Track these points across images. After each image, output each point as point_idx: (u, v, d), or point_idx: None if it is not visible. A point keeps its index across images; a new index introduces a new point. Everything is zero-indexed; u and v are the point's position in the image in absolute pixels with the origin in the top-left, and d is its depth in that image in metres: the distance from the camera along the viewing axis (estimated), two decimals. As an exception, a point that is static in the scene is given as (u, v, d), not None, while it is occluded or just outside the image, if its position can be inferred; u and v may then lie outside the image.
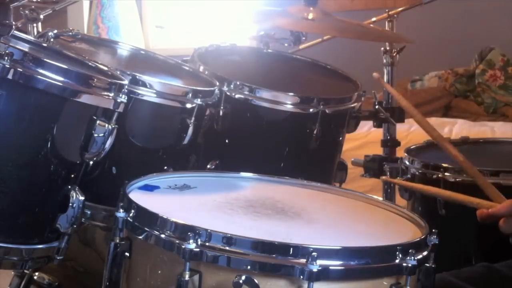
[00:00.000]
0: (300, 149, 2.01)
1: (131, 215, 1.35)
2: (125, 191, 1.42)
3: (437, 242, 1.36)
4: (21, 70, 1.42)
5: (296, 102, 1.96)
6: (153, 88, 1.70)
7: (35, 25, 2.26)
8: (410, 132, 3.97)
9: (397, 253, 1.28)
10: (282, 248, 1.23)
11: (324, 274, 1.22)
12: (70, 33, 1.93)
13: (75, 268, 2.11)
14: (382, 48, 2.60)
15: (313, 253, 1.20)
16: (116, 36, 4.92)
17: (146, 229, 1.31)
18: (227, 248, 1.23)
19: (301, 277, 1.21)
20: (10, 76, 1.41)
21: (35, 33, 2.23)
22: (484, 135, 3.81)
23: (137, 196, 1.43)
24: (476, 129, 4.09)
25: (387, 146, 2.62)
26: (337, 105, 2.05)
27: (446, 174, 2.00)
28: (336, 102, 2.05)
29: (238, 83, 1.94)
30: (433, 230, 1.38)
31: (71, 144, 1.55)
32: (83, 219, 1.64)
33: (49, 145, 1.50)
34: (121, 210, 1.36)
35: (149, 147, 1.77)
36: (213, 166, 1.92)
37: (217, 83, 1.89)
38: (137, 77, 1.69)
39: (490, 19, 4.82)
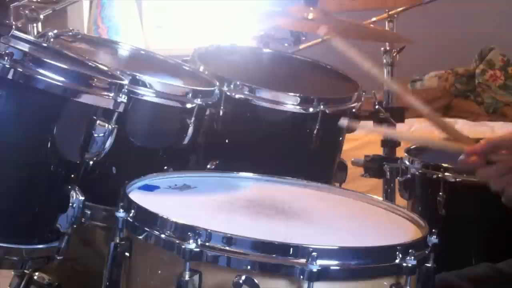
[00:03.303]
0: (300, 149, 2.01)
1: (131, 215, 1.35)
2: (125, 191, 1.42)
3: (437, 242, 1.36)
4: (21, 70, 1.42)
5: (296, 102, 1.96)
6: (153, 88, 1.70)
7: (35, 25, 2.26)
8: (410, 132, 3.97)
9: (397, 253, 1.28)
10: (282, 248, 1.23)
11: (324, 274, 1.22)
12: (70, 33, 1.93)
13: (75, 268, 2.11)
14: (382, 48, 2.60)
15: (313, 253, 1.20)
16: (116, 36, 4.91)
17: (146, 229, 1.31)
18: (227, 248, 1.23)
19: (301, 277, 1.21)
20: (10, 76, 1.41)
21: (35, 33, 2.23)
22: (484, 135, 3.80)
23: (137, 196, 1.43)
24: (476, 129, 4.09)
25: (387, 146, 2.62)
26: (337, 105, 2.05)
27: (446, 174, 2.00)
28: (336, 102, 2.05)
29: (238, 83, 1.94)
30: (433, 230, 1.38)
31: (71, 144, 1.55)
32: (83, 219, 1.64)
33: (49, 145, 1.50)
34: (121, 210, 1.36)
35: (149, 147, 1.77)
36: (213, 166, 1.92)
37: (217, 83, 1.89)
38: (137, 77, 1.69)
39: (490, 19, 4.82)
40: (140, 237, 1.33)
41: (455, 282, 1.65)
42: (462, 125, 4.17)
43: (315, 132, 1.97)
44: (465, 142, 1.52)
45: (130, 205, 1.36)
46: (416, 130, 4.04)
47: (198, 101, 1.76)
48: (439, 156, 2.07)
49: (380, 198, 1.65)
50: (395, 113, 2.55)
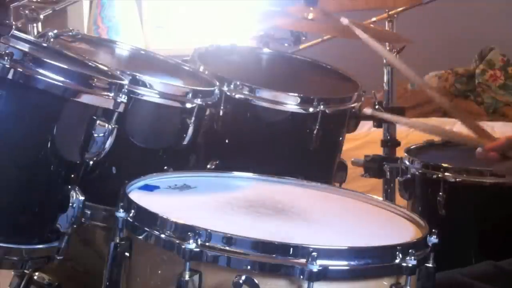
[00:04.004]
0: (300, 149, 2.01)
1: (131, 215, 1.35)
2: (125, 191, 1.42)
3: (437, 242, 1.36)
4: (21, 70, 1.42)
5: (296, 102, 1.96)
6: (153, 88, 1.70)
7: (35, 25, 2.26)
8: (410, 132, 3.96)
9: (397, 253, 1.28)
10: (282, 248, 1.23)
11: (324, 274, 1.22)
12: (70, 33, 1.93)
13: (75, 268, 2.11)
14: (382, 48, 2.60)
15: (313, 253, 1.20)
16: (116, 36, 4.91)
17: (146, 229, 1.31)
18: (227, 248, 1.23)
19: (301, 277, 1.21)
20: (10, 76, 1.41)
21: (35, 33, 2.23)
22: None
23: (137, 196, 1.43)
24: (476, 129, 4.08)
25: (387, 146, 2.62)
26: (337, 105, 2.05)
27: (446, 174, 2.00)
28: (336, 102, 2.05)
29: (238, 83, 1.94)
30: (433, 230, 1.38)
31: (71, 144, 1.55)
32: (83, 219, 1.64)
33: (49, 145, 1.50)
34: (121, 210, 1.36)
35: (149, 147, 1.77)
36: (213, 166, 1.92)
37: (217, 83, 1.89)
38: (137, 77, 1.69)
39: (490, 19, 4.82)
40: (140, 237, 1.33)
41: (459, 279, 1.65)
42: (462, 125, 4.17)
43: (315, 132, 1.97)
44: (483, 135, 1.55)
45: (130, 205, 1.36)
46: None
47: (198, 101, 1.76)
48: (439, 156, 2.07)
49: (380, 198, 1.65)
50: (395, 113, 2.55)
